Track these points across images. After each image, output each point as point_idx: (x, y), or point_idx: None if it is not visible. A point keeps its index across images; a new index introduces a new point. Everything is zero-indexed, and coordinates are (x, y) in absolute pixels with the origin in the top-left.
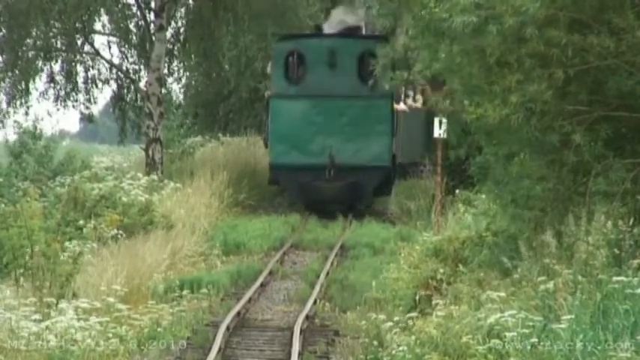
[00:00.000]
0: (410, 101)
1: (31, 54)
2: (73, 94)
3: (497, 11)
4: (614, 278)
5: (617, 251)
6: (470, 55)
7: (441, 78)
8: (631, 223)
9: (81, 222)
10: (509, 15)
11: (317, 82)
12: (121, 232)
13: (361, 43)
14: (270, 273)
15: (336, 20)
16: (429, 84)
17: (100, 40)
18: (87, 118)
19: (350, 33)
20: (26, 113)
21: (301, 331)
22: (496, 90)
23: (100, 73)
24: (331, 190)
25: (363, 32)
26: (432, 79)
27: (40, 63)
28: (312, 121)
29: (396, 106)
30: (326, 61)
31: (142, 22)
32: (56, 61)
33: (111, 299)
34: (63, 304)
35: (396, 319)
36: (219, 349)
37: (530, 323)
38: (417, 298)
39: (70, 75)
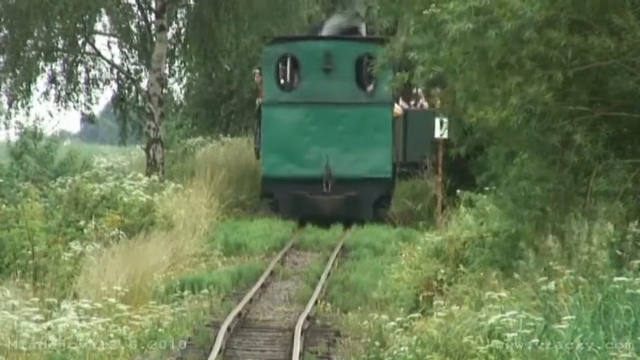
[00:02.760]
0: (398, 106)
1: (31, 54)
2: (74, 94)
3: (495, 15)
4: (615, 279)
5: (618, 252)
6: (471, 57)
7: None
8: (635, 223)
9: (82, 222)
10: (507, 19)
11: (312, 88)
12: (121, 232)
13: (359, 46)
14: (271, 273)
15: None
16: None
17: (100, 41)
18: (88, 119)
19: (347, 35)
20: (27, 114)
21: (302, 331)
22: (496, 93)
23: (101, 74)
24: (329, 204)
25: (364, 34)
26: (432, 83)
27: (41, 63)
28: (307, 130)
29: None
30: (321, 65)
31: (142, 23)
32: (57, 62)
33: (112, 300)
34: (64, 305)
35: (398, 319)
36: (220, 350)
37: (531, 324)
38: (419, 298)
39: (71, 75)
